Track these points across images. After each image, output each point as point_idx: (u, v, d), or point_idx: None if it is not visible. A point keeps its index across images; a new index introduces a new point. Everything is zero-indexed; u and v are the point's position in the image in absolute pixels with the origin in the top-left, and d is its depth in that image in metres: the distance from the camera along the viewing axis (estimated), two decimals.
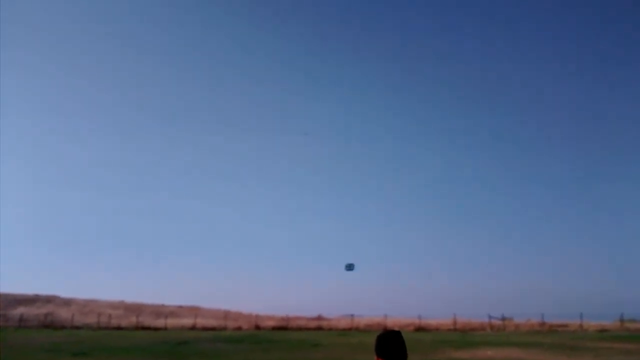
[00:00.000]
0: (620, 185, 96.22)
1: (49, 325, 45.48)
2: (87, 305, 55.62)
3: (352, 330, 42.90)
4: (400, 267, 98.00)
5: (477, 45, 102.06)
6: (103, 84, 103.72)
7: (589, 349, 22.81)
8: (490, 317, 45.44)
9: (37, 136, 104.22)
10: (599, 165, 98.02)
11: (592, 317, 42.59)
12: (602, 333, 36.21)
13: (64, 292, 62.01)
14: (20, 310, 48.68)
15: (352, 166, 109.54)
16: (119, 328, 45.05)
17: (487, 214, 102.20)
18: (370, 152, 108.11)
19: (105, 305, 55.93)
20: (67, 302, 56.16)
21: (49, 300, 56.41)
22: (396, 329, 2.72)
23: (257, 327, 45.94)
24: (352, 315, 48.07)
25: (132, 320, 48.23)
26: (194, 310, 55.41)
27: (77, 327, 44.58)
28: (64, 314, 49.58)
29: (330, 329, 44.64)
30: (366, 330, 42.05)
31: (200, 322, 47.67)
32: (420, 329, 42.91)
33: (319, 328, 45.88)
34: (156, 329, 44.51)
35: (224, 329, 45.09)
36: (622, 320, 41.16)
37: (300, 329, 45.42)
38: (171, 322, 47.61)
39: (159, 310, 54.66)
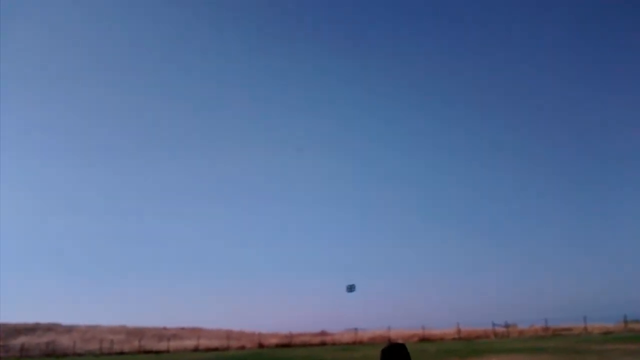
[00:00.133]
0: (620, 188, 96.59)
1: (51, 353, 44.99)
2: (88, 331, 55.07)
3: (355, 344, 42.67)
4: (401, 278, 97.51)
5: (473, 48, 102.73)
6: (84, 109, 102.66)
7: (594, 352, 22.82)
8: (494, 324, 45.36)
9: (29, 160, 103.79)
10: (598, 168, 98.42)
11: (596, 320, 42.57)
12: (607, 335, 36.18)
13: (64, 320, 61.42)
14: (21, 340, 48.13)
15: (349, 179, 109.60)
16: (121, 353, 44.66)
17: (486, 221, 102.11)
18: (369, 165, 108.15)
19: (106, 330, 55.40)
20: (68, 330, 55.59)
21: (49, 328, 55.75)
22: (400, 340, 2.82)
23: (261, 346, 45.62)
24: (355, 329, 47.87)
25: (135, 344, 47.79)
26: (196, 332, 55.03)
27: (80, 355, 44.17)
28: (65, 341, 49.06)
29: (334, 344, 44.40)
30: (370, 343, 41.87)
31: (203, 343, 47.34)
32: (424, 339, 42.74)
33: (323, 343, 45.63)
34: (159, 352, 44.16)
35: (227, 349, 44.77)
36: (625, 322, 41.11)
37: (304, 345, 45.16)
38: (174, 344, 47.24)
39: (161, 333, 54.21)
